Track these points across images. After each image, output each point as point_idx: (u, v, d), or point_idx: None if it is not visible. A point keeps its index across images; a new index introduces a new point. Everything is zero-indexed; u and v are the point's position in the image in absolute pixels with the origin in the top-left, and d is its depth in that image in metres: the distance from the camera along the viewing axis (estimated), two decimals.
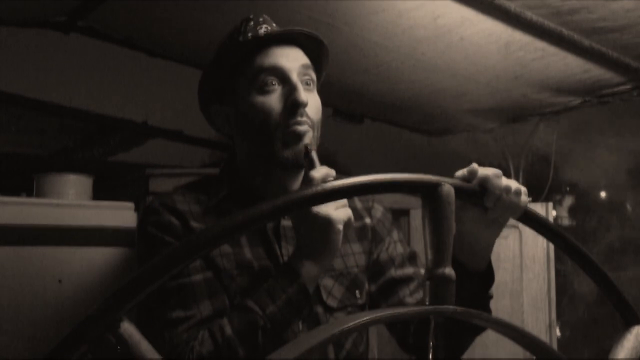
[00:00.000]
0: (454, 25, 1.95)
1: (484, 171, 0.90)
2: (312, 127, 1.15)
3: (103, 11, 2.05)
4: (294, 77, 1.14)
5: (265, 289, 1.07)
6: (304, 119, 1.13)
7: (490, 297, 1.13)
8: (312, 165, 1.11)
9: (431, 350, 0.68)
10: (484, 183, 0.89)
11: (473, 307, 1.05)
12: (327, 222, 1.04)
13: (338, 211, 1.05)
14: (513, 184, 0.93)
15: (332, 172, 1.08)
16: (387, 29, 2.00)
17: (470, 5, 1.82)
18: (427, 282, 0.67)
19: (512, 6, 1.81)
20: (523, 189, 0.95)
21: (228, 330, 1.04)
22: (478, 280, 1.08)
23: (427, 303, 0.67)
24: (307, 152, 1.12)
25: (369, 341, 1.32)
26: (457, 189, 0.72)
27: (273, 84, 1.14)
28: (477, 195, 0.88)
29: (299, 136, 1.13)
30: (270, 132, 1.14)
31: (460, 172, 0.91)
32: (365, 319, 0.59)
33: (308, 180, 1.07)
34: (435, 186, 0.69)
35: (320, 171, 1.07)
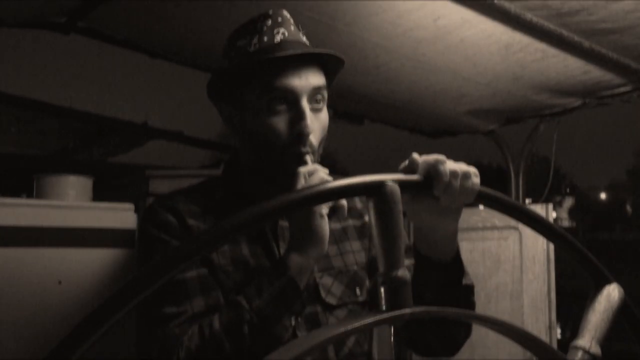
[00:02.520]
0: (454, 26, 1.95)
1: (427, 159, 0.86)
2: (313, 153, 1.15)
3: (103, 12, 2.05)
4: (304, 102, 1.14)
5: (255, 283, 1.08)
6: (307, 148, 1.13)
7: (468, 286, 1.10)
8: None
9: (394, 356, 0.66)
10: (429, 171, 0.85)
11: (448, 298, 1.04)
12: (307, 210, 1.04)
13: None
14: (460, 167, 0.89)
15: (323, 169, 1.09)
16: (387, 30, 2.00)
17: (471, 6, 1.82)
18: (382, 288, 0.64)
19: (512, 7, 1.81)
20: (472, 170, 0.91)
21: (216, 325, 1.05)
22: (446, 271, 1.06)
23: (383, 309, 0.63)
24: (303, 160, 1.13)
25: (372, 339, 1.32)
26: (402, 184, 0.68)
27: (282, 104, 1.14)
28: (424, 185, 0.82)
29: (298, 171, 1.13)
30: (274, 153, 1.15)
31: (403, 164, 0.87)
32: (324, 337, 0.57)
33: (294, 175, 1.08)
34: (379, 186, 0.66)
35: (307, 167, 1.09)
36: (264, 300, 1.05)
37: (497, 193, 0.78)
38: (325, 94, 1.19)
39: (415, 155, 0.87)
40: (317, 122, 1.16)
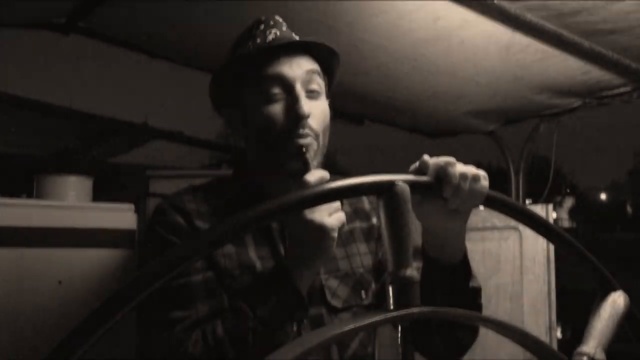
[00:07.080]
0: (454, 27, 1.95)
1: (437, 161, 0.87)
2: (315, 137, 1.15)
3: (103, 12, 2.05)
4: (297, 87, 1.14)
5: (258, 290, 1.08)
6: (306, 130, 1.13)
7: (475, 289, 1.11)
8: (306, 168, 1.11)
9: (401, 357, 0.66)
10: (439, 173, 0.85)
11: (455, 301, 1.04)
12: (321, 230, 1.03)
13: (332, 218, 1.04)
14: (470, 170, 0.90)
15: (326, 175, 1.08)
16: (388, 31, 2.00)
17: (471, 7, 1.82)
18: (390, 287, 0.64)
19: (513, 8, 1.81)
20: (482, 174, 0.91)
21: (220, 331, 1.05)
22: (454, 273, 1.06)
23: (391, 307, 0.63)
24: (302, 154, 1.12)
25: (375, 341, 1.31)
26: (412, 185, 0.68)
27: (277, 94, 1.15)
28: (434, 187, 0.83)
29: (302, 148, 1.13)
30: (275, 141, 1.15)
31: (413, 166, 0.88)
32: (331, 333, 0.57)
33: (302, 184, 1.06)
34: (389, 185, 0.66)
35: (314, 174, 1.07)
36: (267, 309, 1.04)
37: (506, 197, 0.78)
38: (321, 82, 1.20)
39: (426, 157, 0.88)
40: (315, 109, 1.16)
